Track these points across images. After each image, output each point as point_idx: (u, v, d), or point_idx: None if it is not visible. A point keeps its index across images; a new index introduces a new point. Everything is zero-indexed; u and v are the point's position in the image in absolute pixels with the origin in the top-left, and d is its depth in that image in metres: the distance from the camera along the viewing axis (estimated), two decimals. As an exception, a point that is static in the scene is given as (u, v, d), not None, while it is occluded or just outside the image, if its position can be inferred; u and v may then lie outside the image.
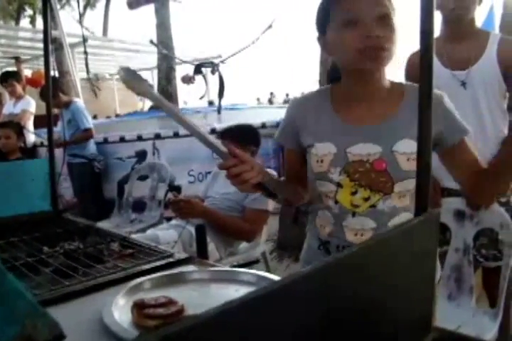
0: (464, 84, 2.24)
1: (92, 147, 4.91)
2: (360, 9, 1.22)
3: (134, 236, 2.56)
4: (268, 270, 2.94)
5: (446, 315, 1.56)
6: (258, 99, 21.00)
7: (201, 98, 8.30)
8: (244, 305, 0.51)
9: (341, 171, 1.32)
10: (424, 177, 0.93)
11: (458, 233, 2.21)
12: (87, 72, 6.35)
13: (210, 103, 10.65)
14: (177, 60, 10.70)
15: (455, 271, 2.23)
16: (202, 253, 1.53)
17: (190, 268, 1.40)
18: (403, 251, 0.78)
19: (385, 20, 1.22)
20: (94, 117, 11.61)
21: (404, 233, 0.77)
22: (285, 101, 19.57)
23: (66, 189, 5.05)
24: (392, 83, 1.38)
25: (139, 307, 1.05)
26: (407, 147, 1.27)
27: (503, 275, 2.10)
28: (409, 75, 2.42)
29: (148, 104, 15.28)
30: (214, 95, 7.89)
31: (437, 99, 1.27)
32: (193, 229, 2.58)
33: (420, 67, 1.05)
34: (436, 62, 2.28)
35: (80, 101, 5.07)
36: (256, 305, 0.53)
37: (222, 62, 7.73)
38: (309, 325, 0.61)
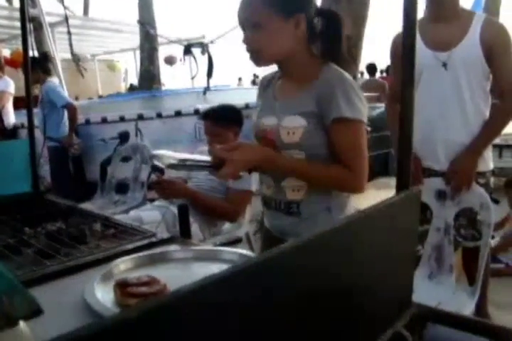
0: (445, 65, 2.25)
1: (65, 130, 4.81)
2: (239, 18, 1.43)
3: (117, 217, 2.56)
4: (252, 250, 2.95)
5: (426, 293, 1.58)
6: (240, 79, 20.76)
7: (192, 78, 8.23)
8: (222, 280, 0.51)
9: (255, 136, 1.59)
10: (405, 154, 0.93)
11: (439, 213, 2.24)
12: (72, 52, 6.21)
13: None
14: (162, 40, 10.56)
15: (436, 250, 2.27)
16: (185, 233, 1.53)
17: (173, 247, 1.41)
18: (385, 227, 0.79)
19: (256, 27, 1.40)
20: (76, 99, 11.46)
21: (386, 209, 0.77)
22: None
23: (47, 171, 5.00)
24: (317, 62, 1.48)
25: (121, 286, 1.05)
26: (291, 122, 1.44)
27: (482, 254, 2.14)
28: (393, 56, 2.43)
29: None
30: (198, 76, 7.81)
31: (336, 78, 1.42)
32: (176, 210, 2.58)
33: (403, 47, 1.05)
34: (419, 43, 2.27)
35: (52, 81, 4.93)
36: (234, 280, 0.53)
37: (211, 42, 7.67)
38: (289, 300, 0.62)
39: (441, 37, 2.24)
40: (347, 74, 1.44)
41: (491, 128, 2.25)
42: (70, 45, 4.54)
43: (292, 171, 1.45)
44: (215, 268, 1.25)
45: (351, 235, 0.71)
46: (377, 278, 0.83)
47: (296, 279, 0.63)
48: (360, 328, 0.82)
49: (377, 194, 2.70)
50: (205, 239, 2.69)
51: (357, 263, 0.75)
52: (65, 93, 4.88)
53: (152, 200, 3.30)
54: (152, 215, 2.63)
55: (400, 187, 0.92)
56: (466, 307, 2.06)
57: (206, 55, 6.97)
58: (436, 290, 2.14)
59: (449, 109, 2.27)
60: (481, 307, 2.43)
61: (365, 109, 1.43)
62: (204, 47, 7.17)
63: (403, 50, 1.05)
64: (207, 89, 6.78)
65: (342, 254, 0.70)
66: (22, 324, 0.50)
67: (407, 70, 1.03)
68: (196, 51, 7.36)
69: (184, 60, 8.03)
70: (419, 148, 2.26)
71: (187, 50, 7.41)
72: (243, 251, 1.32)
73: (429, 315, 1.00)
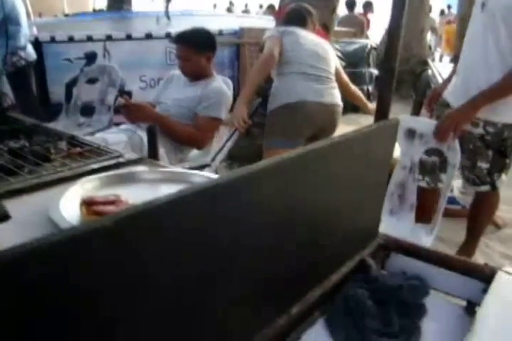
0: (483, 5, 2.11)
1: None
2: None
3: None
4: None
5: (386, 228, 1.62)
6: (214, 6, 20.07)
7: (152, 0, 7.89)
8: (197, 193, 0.49)
9: None
10: (387, 84, 0.91)
11: (406, 151, 2.25)
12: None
13: None
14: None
15: (399, 188, 2.30)
16: (153, 155, 1.50)
17: (141, 168, 1.38)
18: (360, 154, 0.78)
19: None
20: (40, 15, 10.88)
21: (364, 137, 0.76)
22: (244, 12, 18.85)
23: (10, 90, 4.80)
24: None
25: (87, 205, 1.03)
26: None
27: (443, 193, 2.18)
28: None
29: (98, 5, 14.42)
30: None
31: None
32: (142, 134, 2.53)
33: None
34: None
35: None
36: (209, 194, 0.51)
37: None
38: (260, 219, 0.61)
39: None
40: None
41: (500, 84, 2.12)
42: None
43: None
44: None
45: (327, 159, 0.70)
46: (349, 206, 0.83)
47: (269, 199, 0.61)
48: (329, 254, 0.83)
49: (346, 129, 2.69)
50: (172, 165, 2.67)
51: (330, 188, 0.74)
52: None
53: (118, 124, 3.24)
54: (118, 138, 2.57)
55: (378, 117, 0.90)
56: (424, 243, 2.13)
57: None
58: (396, 226, 2.19)
59: (475, 54, 2.21)
60: None
61: None
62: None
63: None
64: (167, 13, 6.49)
65: (317, 178, 0.69)
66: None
67: (397, 6, 0.99)
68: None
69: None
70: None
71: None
72: (212, 174, 1.31)
73: (393, 246, 1.02)
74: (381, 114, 0.90)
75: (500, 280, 0.85)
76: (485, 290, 0.85)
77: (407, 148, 2.25)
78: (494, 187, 2.46)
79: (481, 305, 0.80)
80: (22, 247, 0.33)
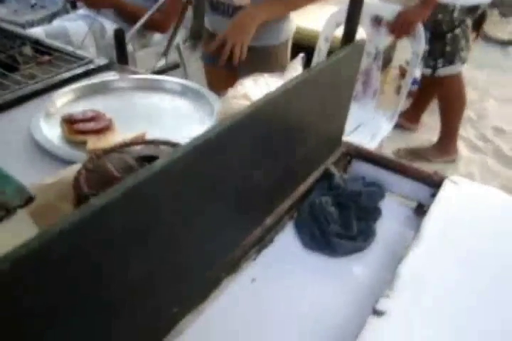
0: None
1: None
2: None
3: (40, 28, 2.39)
4: (182, 61, 2.93)
5: (349, 115, 1.71)
6: None
7: None
8: (192, 149, 0.54)
9: None
10: (357, 4, 0.92)
11: (372, 38, 2.24)
12: None
13: None
14: None
15: (363, 75, 2.34)
16: (122, 59, 1.49)
17: (112, 74, 1.38)
18: (330, 80, 0.82)
19: None
20: None
21: (333, 65, 0.80)
22: None
23: None
24: None
25: (67, 122, 1.07)
26: None
27: (406, 81, 2.24)
28: None
29: None
30: None
31: None
32: (103, 20, 2.45)
33: None
34: None
35: None
36: (199, 151, 0.57)
37: None
38: (247, 144, 0.68)
39: None
40: None
41: None
42: None
43: None
44: (157, 99, 1.28)
45: (300, 92, 0.75)
46: (318, 122, 0.89)
47: (255, 125, 0.67)
48: (300, 167, 0.92)
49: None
50: (135, 51, 2.61)
51: (302, 110, 0.80)
52: None
53: (74, 6, 3.08)
54: (78, 26, 2.47)
55: (347, 39, 0.93)
56: (384, 129, 2.24)
57: None
58: (359, 112, 2.26)
59: None
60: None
61: None
62: None
63: None
64: None
65: (291, 104, 0.75)
66: (19, 212, 0.53)
67: None
68: None
69: None
70: None
71: None
72: (184, 81, 1.34)
73: (354, 153, 1.10)
74: (349, 35, 0.92)
75: (447, 186, 0.96)
76: (433, 195, 0.97)
77: (373, 36, 2.25)
78: (434, 72, 2.61)
79: (430, 207, 0.92)
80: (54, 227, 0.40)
